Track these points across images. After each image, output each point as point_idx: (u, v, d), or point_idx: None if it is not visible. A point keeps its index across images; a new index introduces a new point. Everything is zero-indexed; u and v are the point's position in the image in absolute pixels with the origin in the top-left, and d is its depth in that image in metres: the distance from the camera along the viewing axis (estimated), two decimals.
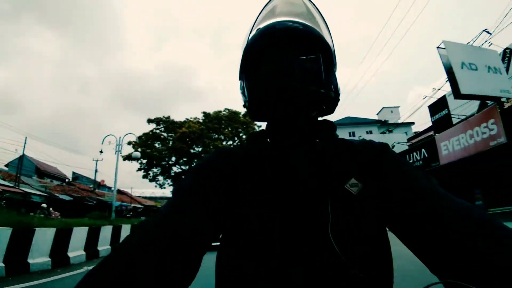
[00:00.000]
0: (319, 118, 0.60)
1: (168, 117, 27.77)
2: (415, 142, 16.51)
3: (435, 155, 11.24)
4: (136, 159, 23.15)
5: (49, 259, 5.66)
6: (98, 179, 36.53)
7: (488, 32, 9.46)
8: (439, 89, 14.05)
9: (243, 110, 27.46)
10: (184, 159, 27.29)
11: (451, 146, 10.38)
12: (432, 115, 14.28)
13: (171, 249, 0.40)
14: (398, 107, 39.08)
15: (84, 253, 6.84)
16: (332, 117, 0.61)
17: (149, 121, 27.50)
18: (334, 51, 0.57)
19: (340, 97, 0.58)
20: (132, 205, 38.28)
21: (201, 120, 28.00)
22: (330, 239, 0.43)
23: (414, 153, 12.95)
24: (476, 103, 11.53)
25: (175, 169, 28.10)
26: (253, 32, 0.56)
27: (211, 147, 25.66)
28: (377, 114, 40.57)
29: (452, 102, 12.78)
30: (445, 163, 10.62)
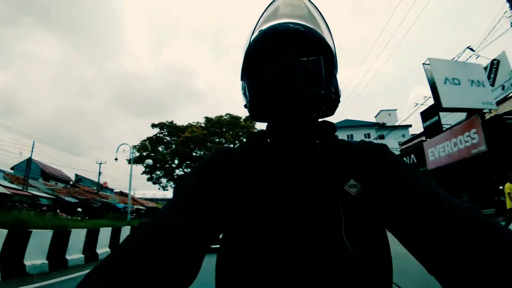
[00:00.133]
0: (320, 120, 0.60)
1: (172, 122, 28.84)
2: (405, 148, 17.36)
3: (423, 160, 12.15)
4: (149, 165, 24.18)
5: (82, 255, 6.54)
6: (100, 180, 37.30)
7: (471, 49, 10.33)
8: (429, 97, 14.92)
9: (244, 115, 28.45)
10: (187, 162, 28.18)
11: (437, 152, 11.30)
12: (423, 121, 15.13)
13: (171, 249, 0.40)
14: (395, 109, 39.57)
15: (109, 250, 7.77)
16: (330, 120, 0.61)
17: (153, 125, 28.51)
18: (335, 53, 0.58)
19: (340, 99, 0.58)
20: (135, 206, 39.05)
21: (203, 125, 29.00)
22: (344, 239, 0.43)
23: (404, 158, 13.80)
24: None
25: (178, 172, 29.01)
26: (255, 34, 0.56)
27: (213, 150, 26.47)
28: (375, 117, 41.22)
29: None
30: (432, 168, 11.50)
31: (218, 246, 0.52)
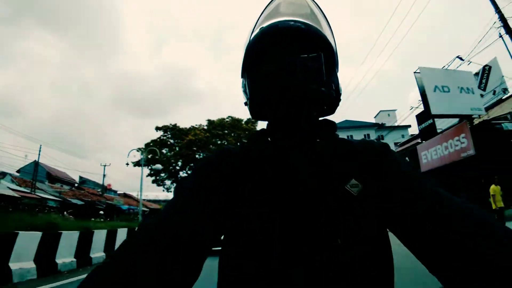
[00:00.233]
0: (320, 118, 0.60)
1: (175, 125, 29.59)
2: (400, 150, 17.91)
3: (417, 163, 12.79)
4: (157, 170, 25.16)
5: (104, 253, 7.19)
6: (101, 182, 37.96)
7: (460, 59, 10.95)
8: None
9: (245, 117, 29.14)
10: (191, 164, 28.85)
11: (429, 155, 11.99)
12: (419, 124, 15.71)
13: (171, 250, 0.40)
14: (395, 110, 40.02)
15: None
16: (331, 119, 0.61)
17: (157, 128, 29.31)
18: (336, 51, 0.58)
19: (341, 97, 0.58)
20: (138, 208, 39.69)
21: (205, 127, 29.80)
22: (344, 239, 0.44)
23: None
24: None
25: (182, 173, 29.68)
26: (256, 31, 0.56)
27: None
28: (375, 117, 41.69)
29: None
30: (425, 171, 12.09)
31: (220, 248, 0.52)
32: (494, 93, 13.67)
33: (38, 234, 5.42)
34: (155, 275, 0.37)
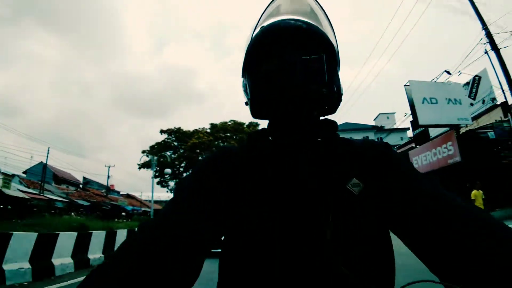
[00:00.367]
0: (321, 118, 0.59)
1: (179, 128, 30.57)
2: None
3: None
4: (167, 174, 26.28)
5: None
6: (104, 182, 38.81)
7: (448, 73, 11.79)
8: None
9: (247, 121, 30.06)
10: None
11: (420, 161, 12.87)
12: (413, 129, 16.55)
13: (171, 249, 0.40)
14: (394, 113, 40.52)
15: None
16: (332, 119, 0.60)
17: (162, 131, 30.27)
18: (338, 51, 0.57)
19: (342, 97, 0.57)
20: (142, 209, 40.50)
21: (208, 130, 30.75)
22: (344, 239, 0.44)
23: None
24: None
25: (185, 175, 30.37)
26: (257, 30, 0.55)
27: None
28: (374, 120, 42.19)
29: None
30: None
31: (219, 250, 0.52)
32: (483, 102, 14.48)
33: (74, 234, 6.29)
34: (156, 274, 0.39)
